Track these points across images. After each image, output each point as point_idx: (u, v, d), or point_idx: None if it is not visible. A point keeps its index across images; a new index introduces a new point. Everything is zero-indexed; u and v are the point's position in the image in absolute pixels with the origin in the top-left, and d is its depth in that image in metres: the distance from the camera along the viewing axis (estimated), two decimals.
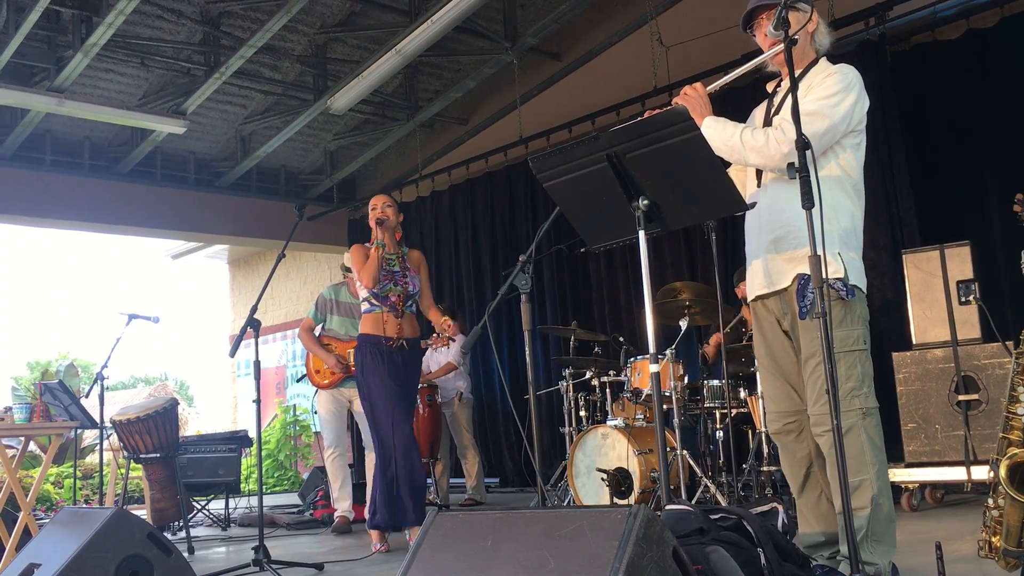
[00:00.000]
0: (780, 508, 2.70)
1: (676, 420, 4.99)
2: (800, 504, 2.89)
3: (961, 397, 4.81)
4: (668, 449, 5.14)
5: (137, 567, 3.38)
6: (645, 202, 2.48)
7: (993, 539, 2.23)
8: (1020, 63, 6.27)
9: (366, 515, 5.59)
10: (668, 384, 5.10)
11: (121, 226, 9.87)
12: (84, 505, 8.79)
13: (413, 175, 10.16)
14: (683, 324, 5.23)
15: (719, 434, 5.34)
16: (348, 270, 6.00)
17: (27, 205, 9.01)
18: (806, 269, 2.44)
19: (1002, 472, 2.06)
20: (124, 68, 8.06)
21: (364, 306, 4.96)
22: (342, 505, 5.83)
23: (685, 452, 4.96)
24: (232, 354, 4.38)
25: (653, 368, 2.49)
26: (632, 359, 5.39)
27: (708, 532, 2.18)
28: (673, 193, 2.49)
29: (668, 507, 2.28)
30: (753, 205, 2.73)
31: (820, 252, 2.34)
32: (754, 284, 2.90)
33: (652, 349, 2.52)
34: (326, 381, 5.86)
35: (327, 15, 7.98)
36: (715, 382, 5.36)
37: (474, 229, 9.50)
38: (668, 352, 5.14)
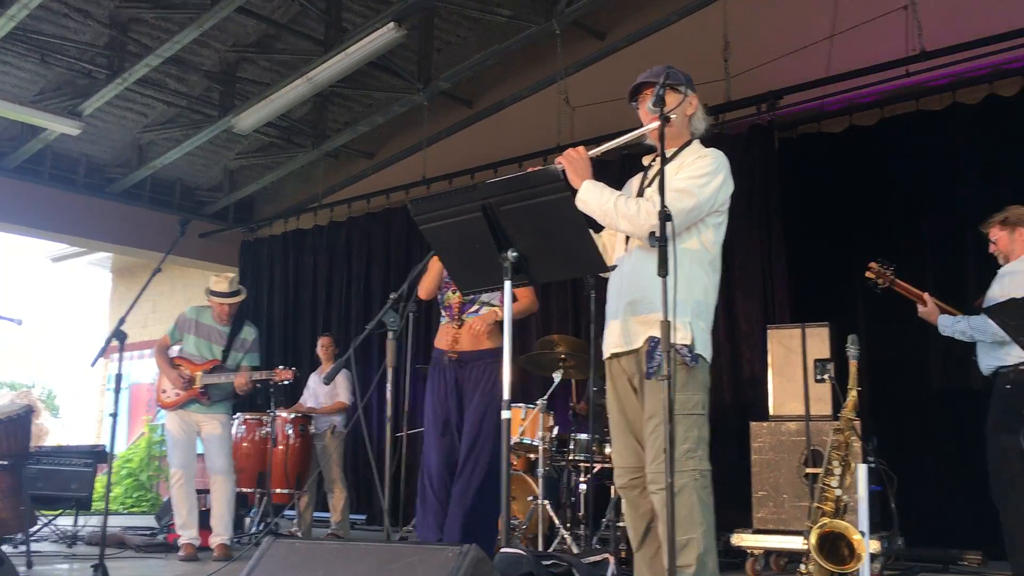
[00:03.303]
0: (611, 560, 2.81)
1: (541, 470, 5.09)
2: (637, 558, 3.00)
3: (809, 470, 5.05)
4: (530, 498, 5.23)
5: None
6: (514, 254, 2.60)
7: None
8: (896, 162, 6.72)
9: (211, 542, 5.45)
10: (537, 434, 5.21)
11: (1, 223, 9.50)
12: None
13: (313, 203, 10.12)
14: (556, 376, 5.36)
15: (582, 487, 5.45)
16: (213, 294, 5.89)
17: None
18: (657, 332, 2.57)
19: (813, 540, 2.21)
20: (22, 63, 7.85)
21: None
22: (188, 533, 5.61)
23: (546, 502, 5.05)
24: (93, 364, 4.26)
25: (505, 415, 2.58)
26: None
27: None
28: (541, 248, 2.61)
29: (503, 550, 2.36)
30: (614, 268, 2.88)
31: (671, 318, 2.48)
32: (610, 342, 3.04)
33: (506, 396, 2.61)
34: (170, 401, 5.70)
35: (241, 34, 7.96)
36: (583, 436, 5.49)
37: (369, 263, 9.50)
38: (540, 402, 5.25)
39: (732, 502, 5.90)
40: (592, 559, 2.62)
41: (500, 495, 4.03)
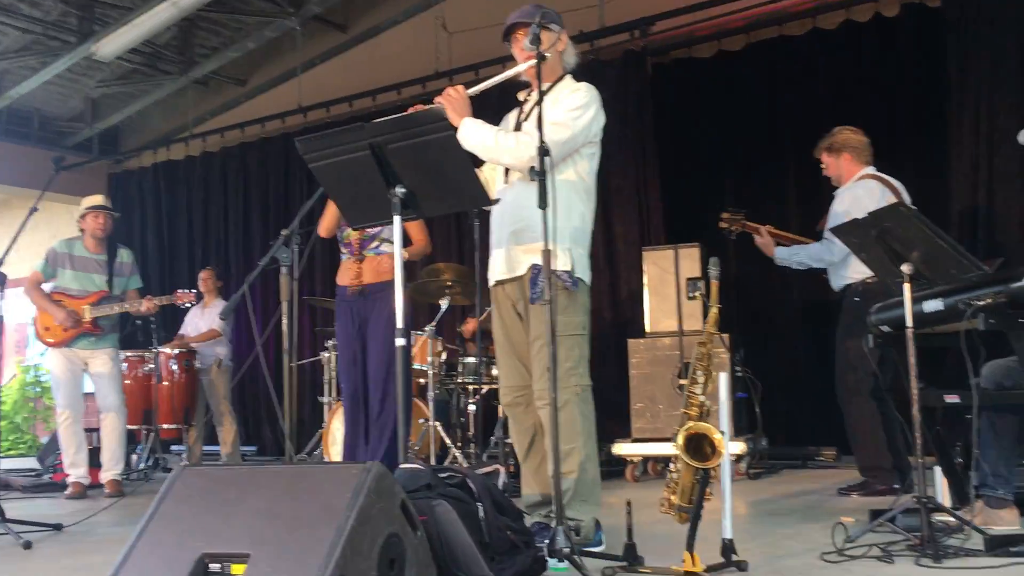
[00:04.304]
0: (502, 470, 3.03)
1: (431, 393, 5.27)
2: (524, 469, 3.24)
3: (681, 381, 5.41)
4: (421, 420, 5.43)
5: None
6: (402, 190, 2.71)
7: (672, 497, 2.65)
8: (761, 86, 7.05)
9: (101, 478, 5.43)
10: (426, 359, 5.37)
11: None
12: None
13: (183, 133, 9.82)
14: (443, 303, 5.52)
15: (471, 408, 5.68)
16: (92, 208, 5.73)
17: None
18: (540, 260, 2.74)
19: (679, 441, 2.47)
20: None
21: None
22: (77, 471, 5.57)
23: (437, 424, 5.25)
24: None
25: (400, 342, 2.72)
26: None
27: (435, 488, 2.44)
28: (427, 184, 2.72)
29: (402, 466, 2.53)
30: (498, 201, 3.03)
31: (551, 247, 2.66)
32: (496, 270, 3.21)
33: (400, 324, 2.75)
34: (54, 340, 5.57)
35: None
36: (471, 359, 5.70)
37: (246, 195, 9.33)
38: (428, 328, 5.40)
39: (612, 414, 6.25)
40: (485, 470, 2.82)
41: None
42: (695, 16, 7.05)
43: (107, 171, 10.54)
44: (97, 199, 5.79)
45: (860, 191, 4.53)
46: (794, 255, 4.81)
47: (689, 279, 5.55)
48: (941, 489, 3.64)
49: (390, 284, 4.24)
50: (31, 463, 8.02)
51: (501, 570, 2.40)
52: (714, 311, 2.75)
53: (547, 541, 2.55)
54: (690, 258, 5.62)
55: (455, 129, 2.77)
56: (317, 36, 8.91)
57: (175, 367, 6.88)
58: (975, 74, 5.77)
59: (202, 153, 9.72)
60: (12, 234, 4.45)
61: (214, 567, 2.05)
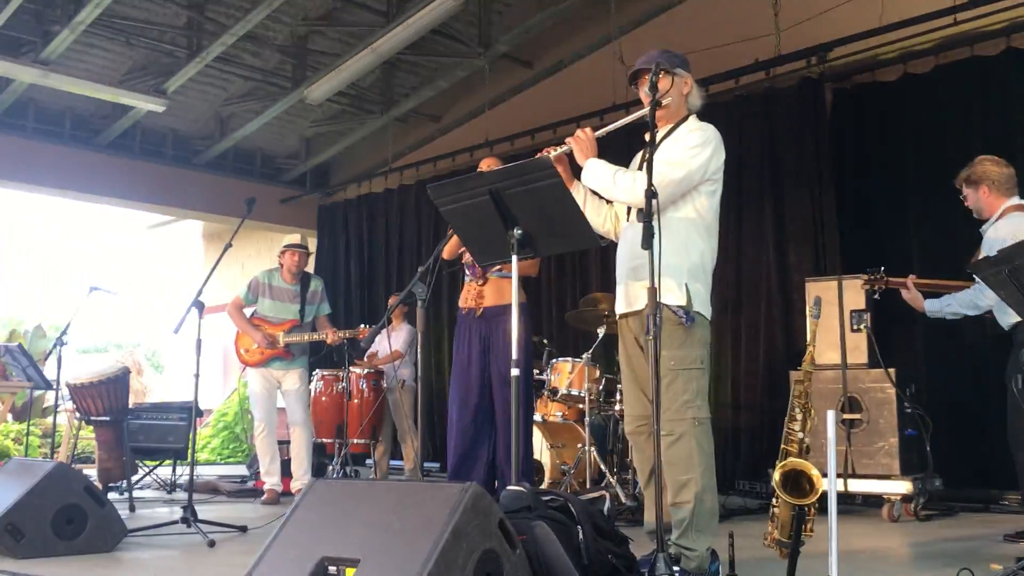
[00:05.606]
0: (607, 496, 3.14)
1: (588, 418, 5.43)
2: (645, 495, 3.34)
3: (845, 416, 5.27)
4: (579, 445, 5.59)
5: (73, 515, 3.82)
6: (519, 231, 2.93)
7: (774, 532, 2.68)
8: (952, 110, 6.72)
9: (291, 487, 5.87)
10: (583, 385, 5.55)
11: (98, 196, 10.18)
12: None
13: (383, 167, 10.55)
14: (600, 331, 5.67)
15: None
16: (289, 246, 6.35)
17: (7, 169, 9.31)
18: (657, 296, 2.85)
19: (776, 477, 2.50)
20: (109, 45, 8.40)
21: None
22: (271, 480, 6.19)
23: (593, 449, 5.40)
24: (176, 331, 4.70)
25: (515, 372, 2.93)
26: (553, 360, 5.82)
27: (535, 509, 2.61)
28: (541, 226, 2.94)
29: (508, 488, 2.72)
30: (606, 242, 3.19)
31: (667, 281, 2.78)
32: (619, 304, 3.36)
33: (515, 356, 2.96)
34: (252, 360, 6.21)
35: (309, 8, 8.35)
36: None
37: (436, 224, 9.87)
38: (585, 356, 5.57)
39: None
40: (590, 495, 2.95)
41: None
42: (877, 40, 6.85)
43: (318, 203, 11.48)
44: (294, 238, 6.43)
45: (1015, 223, 4.26)
46: (946, 306, 4.55)
47: (854, 311, 5.41)
48: None
49: (504, 308, 4.46)
50: (244, 471, 8.87)
51: None
52: (810, 350, 2.77)
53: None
54: (854, 289, 5.46)
55: (560, 177, 2.95)
56: (504, 73, 9.35)
57: (364, 386, 7.41)
58: None
59: (399, 186, 10.40)
60: (239, 260, 5.02)
61: (332, 569, 2.33)
